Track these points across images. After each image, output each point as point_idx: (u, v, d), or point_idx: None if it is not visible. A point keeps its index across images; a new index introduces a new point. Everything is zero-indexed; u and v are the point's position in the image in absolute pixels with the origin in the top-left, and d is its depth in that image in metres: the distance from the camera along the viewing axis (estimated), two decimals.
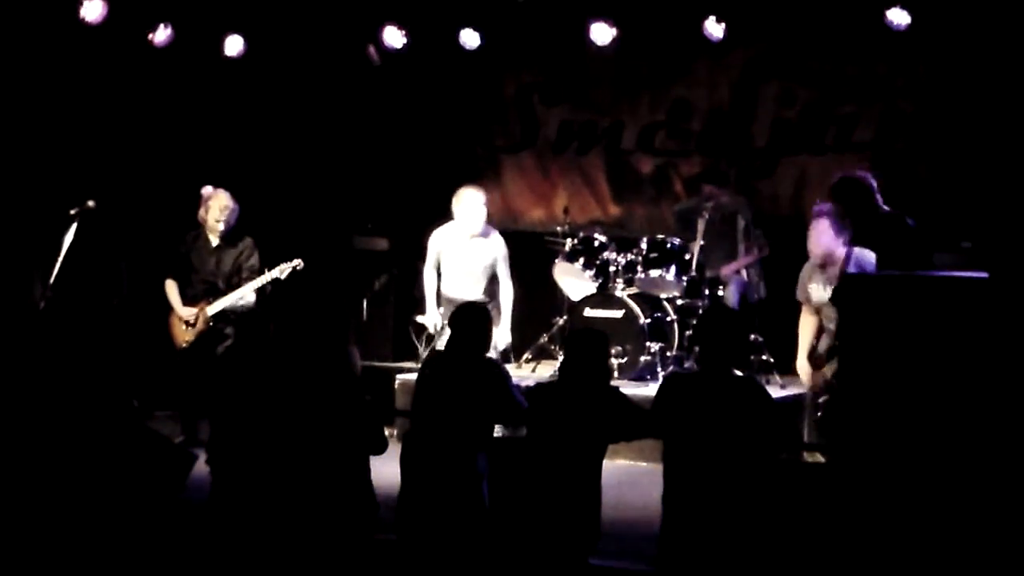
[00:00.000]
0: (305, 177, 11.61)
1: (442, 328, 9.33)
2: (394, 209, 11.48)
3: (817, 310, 8.18)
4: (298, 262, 9.27)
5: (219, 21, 10.76)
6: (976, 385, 5.64)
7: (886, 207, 8.25)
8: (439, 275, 9.73)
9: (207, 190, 9.41)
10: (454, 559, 6.19)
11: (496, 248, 9.68)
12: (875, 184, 8.26)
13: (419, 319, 9.86)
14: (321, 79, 11.44)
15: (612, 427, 6.09)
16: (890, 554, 5.70)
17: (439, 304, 9.65)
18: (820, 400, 8.12)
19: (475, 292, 9.50)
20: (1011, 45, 9.59)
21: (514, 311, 9.73)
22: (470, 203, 9.55)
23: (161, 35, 10.53)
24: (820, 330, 8.20)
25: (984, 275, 5.92)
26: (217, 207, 9.29)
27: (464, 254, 9.65)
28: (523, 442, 6.29)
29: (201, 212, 9.36)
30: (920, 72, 10.23)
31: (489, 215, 9.81)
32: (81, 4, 10.12)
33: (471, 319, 6.49)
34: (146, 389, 9.44)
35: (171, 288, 9.34)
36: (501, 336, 9.40)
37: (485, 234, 9.66)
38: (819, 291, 8.02)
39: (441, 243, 9.71)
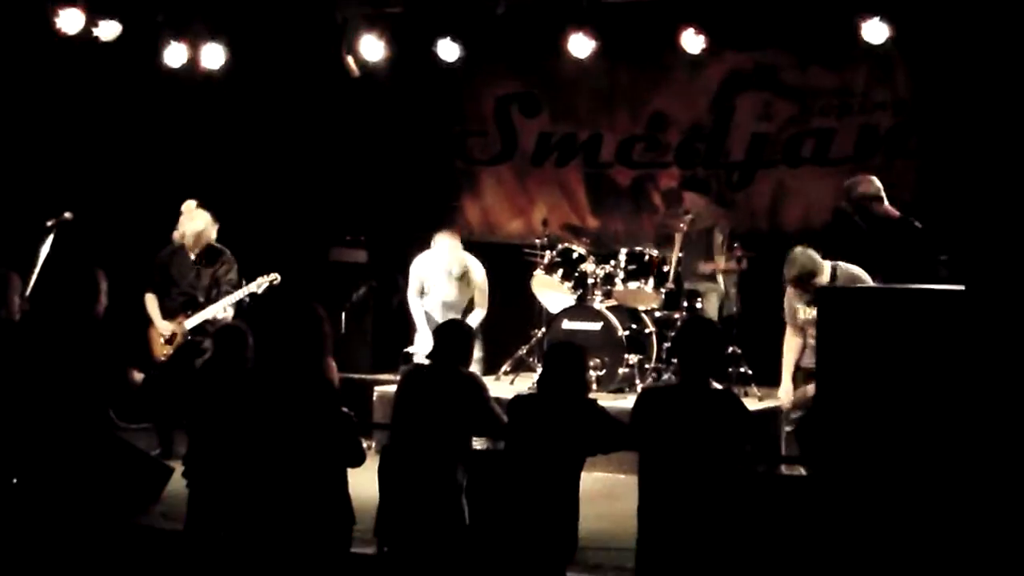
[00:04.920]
0: (283, 190, 11.59)
1: None
2: (373, 221, 11.47)
3: (802, 329, 8.20)
4: (275, 276, 9.24)
5: (198, 34, 10.73)
6: (954, 396, 5.65)
7: (895, 211, 8.43)
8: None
9: (188, 205, 9.37)
10: (434, 571, 6.18)
11: (475, 281, 9.94)
12: (881, 188, 8.46)
13: (410, 349, 9.89)
14: (299, 91, 11.43)
15: (590, 440, 6.09)
16: (869, 566, 5.70)
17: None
18: (793, 416, 8.14)
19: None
20: (990, 60, 9.63)
21: (492, 324, 9.89)
22: (444, 248, 9.88)
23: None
24: (804, 350, 8.23)
25: (961, 288, 5.94)
26: (191, 233, 9.24)
27: (443, 287, 9.95)
28: (502, 454, 6.29)
29: (177, 231, 9.35)
30: (898, 86, 10.28)
31: (470, 231, 9.94)
32: (57, 15, 10.07)
33: (454, 334, 6.60)
34: (123, 401, 9.39)
35: (151, 302, 9.31)
36: None
37: (463, 271, 9.93)
38: (805, 310, 8.04)
39: (423, 272, 10.00)
